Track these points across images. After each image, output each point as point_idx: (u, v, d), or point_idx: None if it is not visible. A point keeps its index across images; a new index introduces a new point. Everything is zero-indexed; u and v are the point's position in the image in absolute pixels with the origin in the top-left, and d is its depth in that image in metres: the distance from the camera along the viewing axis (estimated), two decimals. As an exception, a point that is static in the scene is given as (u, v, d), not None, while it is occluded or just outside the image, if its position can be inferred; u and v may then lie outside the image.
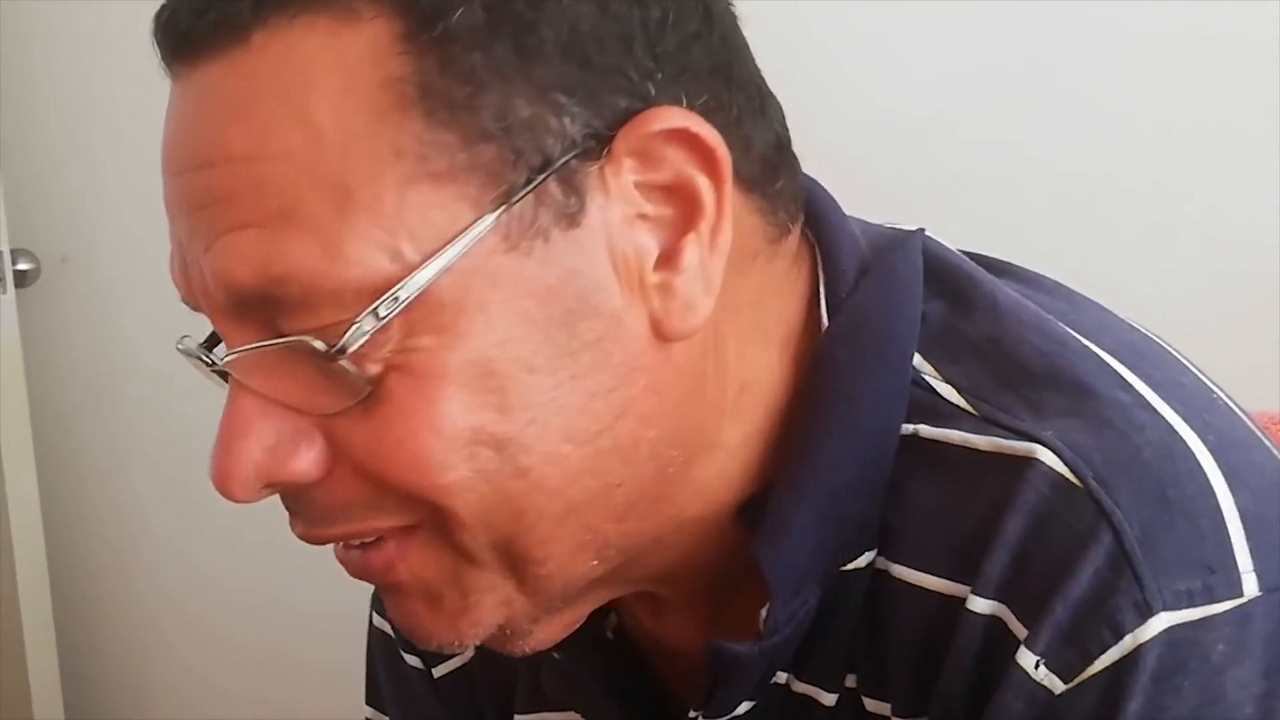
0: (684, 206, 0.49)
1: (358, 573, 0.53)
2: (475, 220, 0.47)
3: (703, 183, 0.49)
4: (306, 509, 0.51)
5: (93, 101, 1.82)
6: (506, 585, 0.52)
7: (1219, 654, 0.47)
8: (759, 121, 0.53)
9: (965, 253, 0.60)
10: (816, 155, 0.58)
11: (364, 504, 0.50)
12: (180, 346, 0.53)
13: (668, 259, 0.49)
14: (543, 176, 0.47)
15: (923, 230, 0.59)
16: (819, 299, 0.55)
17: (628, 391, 0.50)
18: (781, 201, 0.54)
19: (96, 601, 2.02)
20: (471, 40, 0.46)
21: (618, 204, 0.49)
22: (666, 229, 0.50)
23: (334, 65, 0.47)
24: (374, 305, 0.46)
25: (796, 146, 0.56)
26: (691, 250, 0.49)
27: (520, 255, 0.47)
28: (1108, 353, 0.53)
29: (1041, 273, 0.61)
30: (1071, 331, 0.54)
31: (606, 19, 0.48)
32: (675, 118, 0.48)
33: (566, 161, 0.47)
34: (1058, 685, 0.48)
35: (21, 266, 1.85)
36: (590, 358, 0.49)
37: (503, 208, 0.47)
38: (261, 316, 0.48)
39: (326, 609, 1.59)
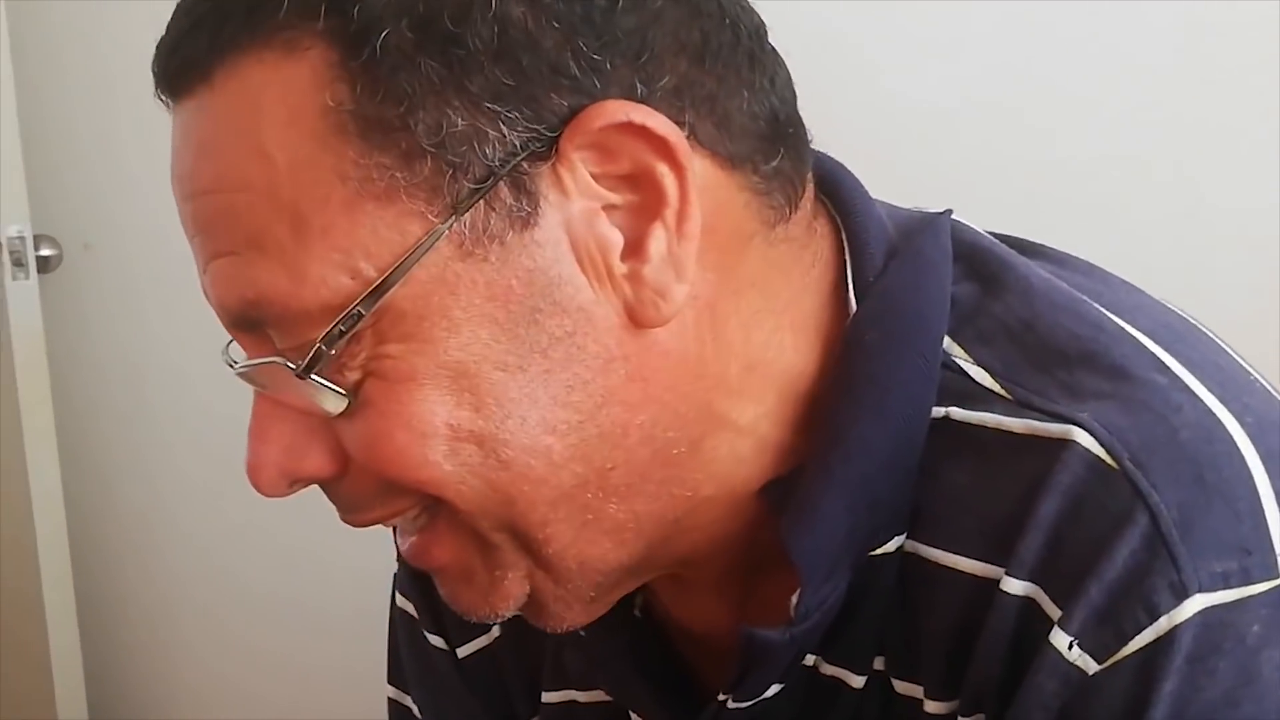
0: (649, 193, 0.50)
1: (408, 560, 0.56)
2: (425, 234, 0.48)
3: (662, 170, 0.49)
4: (337, 499, 0.54)
5: (116, 89, 1.82)
6: (525, 562, 0.54)
7: (1254, 635, 0.46)
8: (745, 94, 0.52)
9: (995, 234, 0.59)
10: (833, 148, 0.58)
11: (384, 492, 0.52)
12: (223, 356, 0.55)
13: (634, 249, 0.50)
14: (487, 185, 0.48)
15: (950, 212, 0.58)
16: (846, 283, 0.55)
17: (607, 381, 0.50)
18: (779, 182, 0.53)
19: (119, 602, 2.02)
20: (398, 60, 0.47)
21: (577, 199, 0.49)
22: (636, 216, 0.50)
23: (281, 97, 0.48)
24: (335, 323, 0.48)
25: (817, 137, 0.56)
26: (658, 238, 0.50)
27: (477, 261, 0.48)
28: (1144, 334, 0.53)
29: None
30: (1106, 313, 0.54)
31: (541, 19, 0.48)
32: (617, 112, 0.48)
33: (512, 167, 0.48)
34: (1091, 666, 0.47)
35: (44, 252, 1.86)
36: (563, 352, 0.50)
37: (451, 219, 0.48)
38: (258, 333, 0.51)
39: (349, 612, 1.60)
